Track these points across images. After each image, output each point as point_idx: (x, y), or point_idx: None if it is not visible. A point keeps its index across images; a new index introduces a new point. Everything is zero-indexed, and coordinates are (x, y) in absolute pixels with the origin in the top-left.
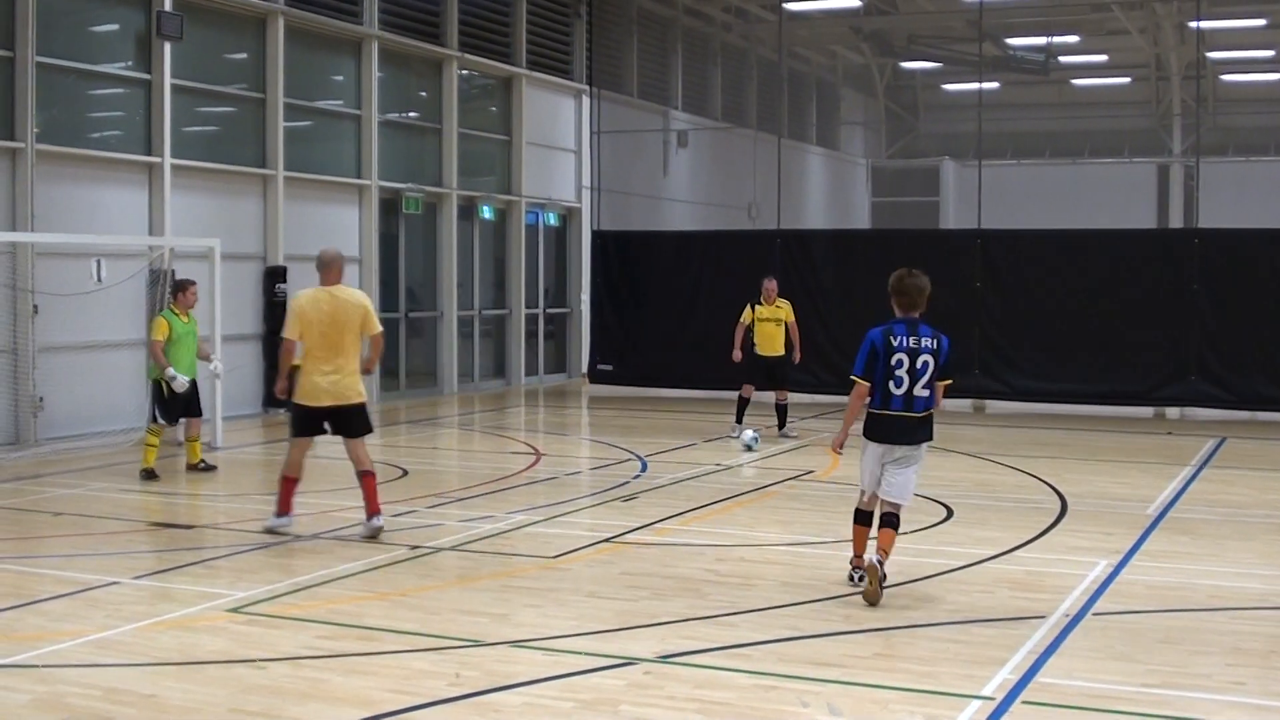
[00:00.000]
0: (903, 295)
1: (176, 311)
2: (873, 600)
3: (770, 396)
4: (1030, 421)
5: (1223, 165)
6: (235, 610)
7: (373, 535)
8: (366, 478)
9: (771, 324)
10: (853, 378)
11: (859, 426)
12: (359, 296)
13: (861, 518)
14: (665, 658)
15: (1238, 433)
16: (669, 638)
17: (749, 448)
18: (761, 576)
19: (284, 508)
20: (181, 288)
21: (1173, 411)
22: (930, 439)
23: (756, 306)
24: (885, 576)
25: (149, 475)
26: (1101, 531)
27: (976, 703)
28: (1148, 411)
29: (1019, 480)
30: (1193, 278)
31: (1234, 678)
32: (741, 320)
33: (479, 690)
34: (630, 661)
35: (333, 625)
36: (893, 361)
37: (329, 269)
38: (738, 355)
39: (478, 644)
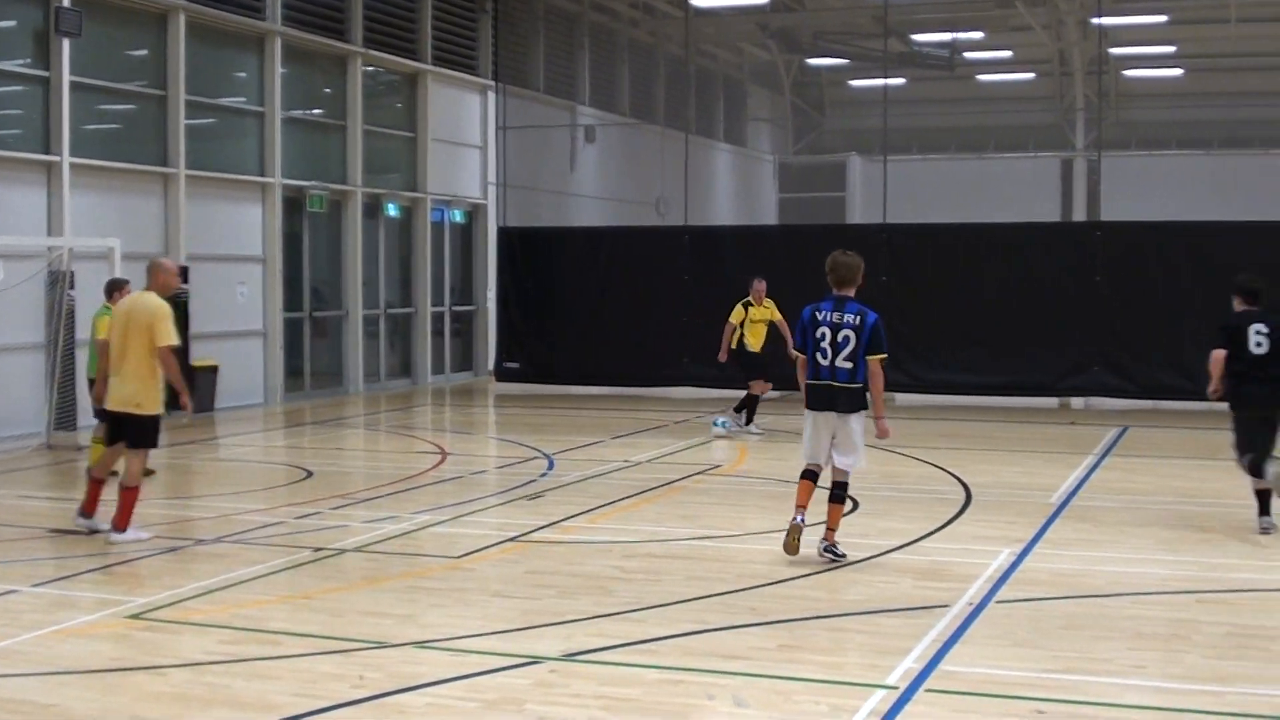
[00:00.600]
0: (833, 272)
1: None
2: (788, 550)
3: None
4: (936, 413)
5: (1125, 159)
6: (136, 616)
7: (90, 533)
8: (125, 491)
9: (763, 324)
10: (792, 352)
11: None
12: (153, 306)
13: (807, 474)
14: (571, 655)
15: (1140, 422)
16: (575, 635)
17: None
18: (668, 572)
19: (88, 508)
20: (118, 286)
21: (1077, 402)
22: (857, 409)
23: (750, 307)
24: (831, 548)
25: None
26: (1005, 521)
27: (881, 692)
28: (1053, 402)
29: (924, 471)
30: (1095, 270)
31: (1135, 661)
32: (731, 320)
33: (383, 692)
34: (536, 660)
35: (235, 630)
36: (817, 334)
37: (148, 274)
38: (724, 356)
39: (382, 645)
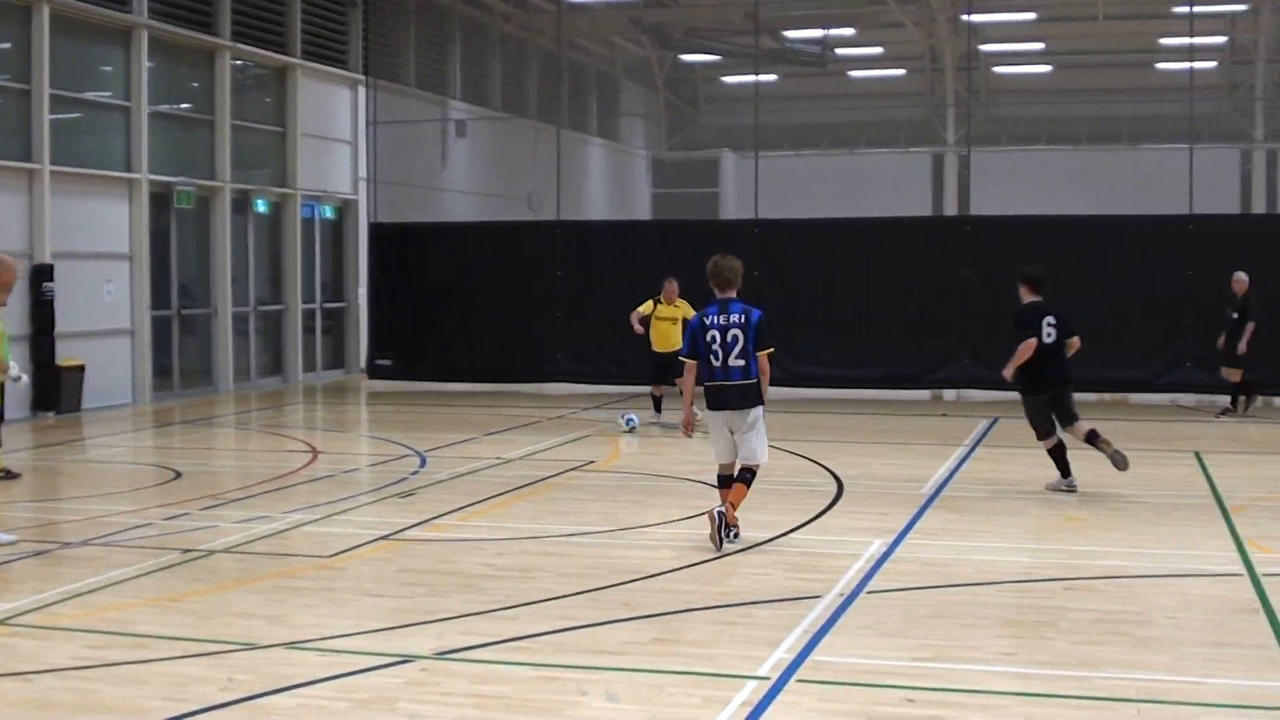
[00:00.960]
0: (715, 276)
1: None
2: (713, 543)
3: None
4: (809, 407)
5: (995, 154)
6: (1, 623)
7: None
8: None
9: (668, 322)
10: (681, 358)
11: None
12: None
13: (722, 481)
14: (442, 654)
15: (1010, 413)
16: (447, 634)
17: (631, 428)
18: (541, 569)
19: None
20: None
21: (950, 394)
22: (754, 404)
23: (658, 304)
24: (729, 527)
25: (6, 475)
26: (876, 512)
27: (752, 683)
28: (925, 395)
29: (797, 464)
30: (966, 264)
31: (1003, 648)
32: (639, 310)
33: (253, 694)
34: (407, 659)
35: (103, 634)
36: (707, 338)
37: None
38: (639, 328)
39: (252, 647)
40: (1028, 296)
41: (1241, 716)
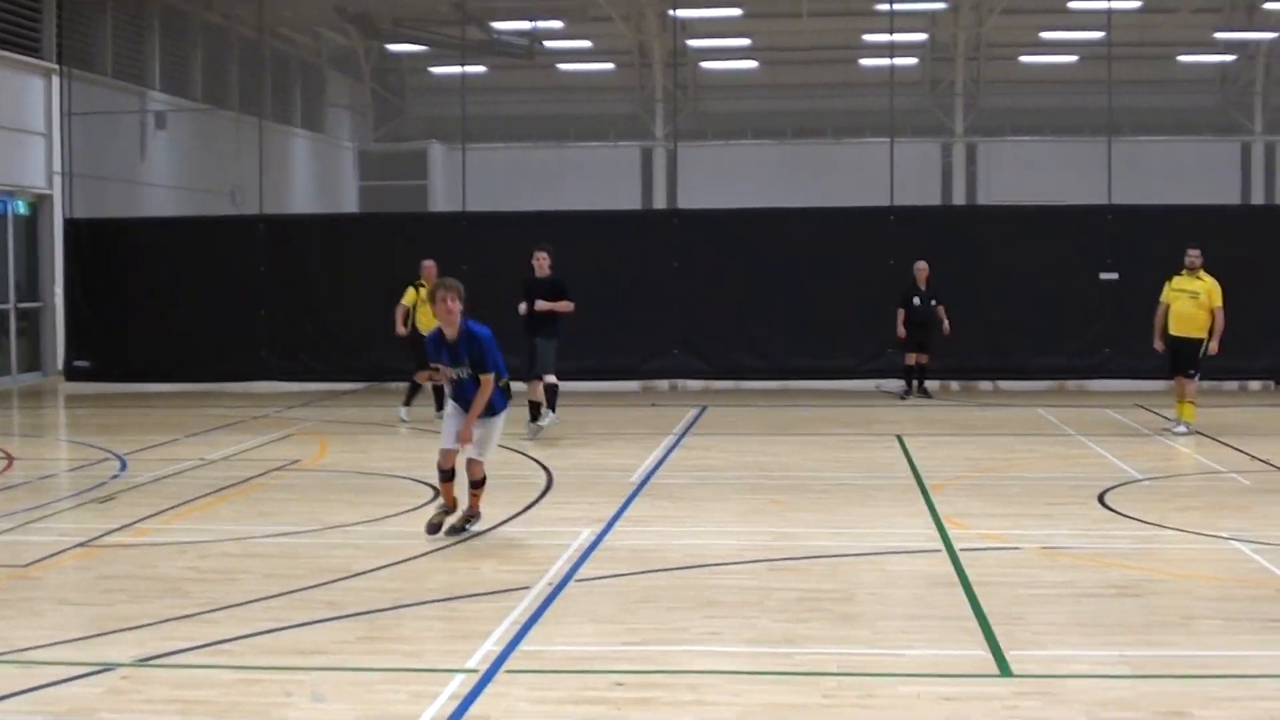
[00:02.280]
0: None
1: None
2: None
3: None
4: (517, 400)
5: (702, 149)
6: None
7: None
8: None
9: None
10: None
11: None
12: None
13: (444, 476)
14: (144, 661)
15: (719, 401)
16: (149, 640)
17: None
18: (245, 571)
19: None
20: None
21: (663, 383)
22: (496, 411)
23: (420, 289)
24: (460, 527)
25: None
26: (586, 501)
27: (461, 676)
28: (637, 385)
29: (507, 458)
30: (674, 256)
31: (710, 629)
32: (403, 301)
33: None
34: (108, 667)
35: None
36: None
37: None
38: (400, 329)
39: None
40: None
41: (936, 685)
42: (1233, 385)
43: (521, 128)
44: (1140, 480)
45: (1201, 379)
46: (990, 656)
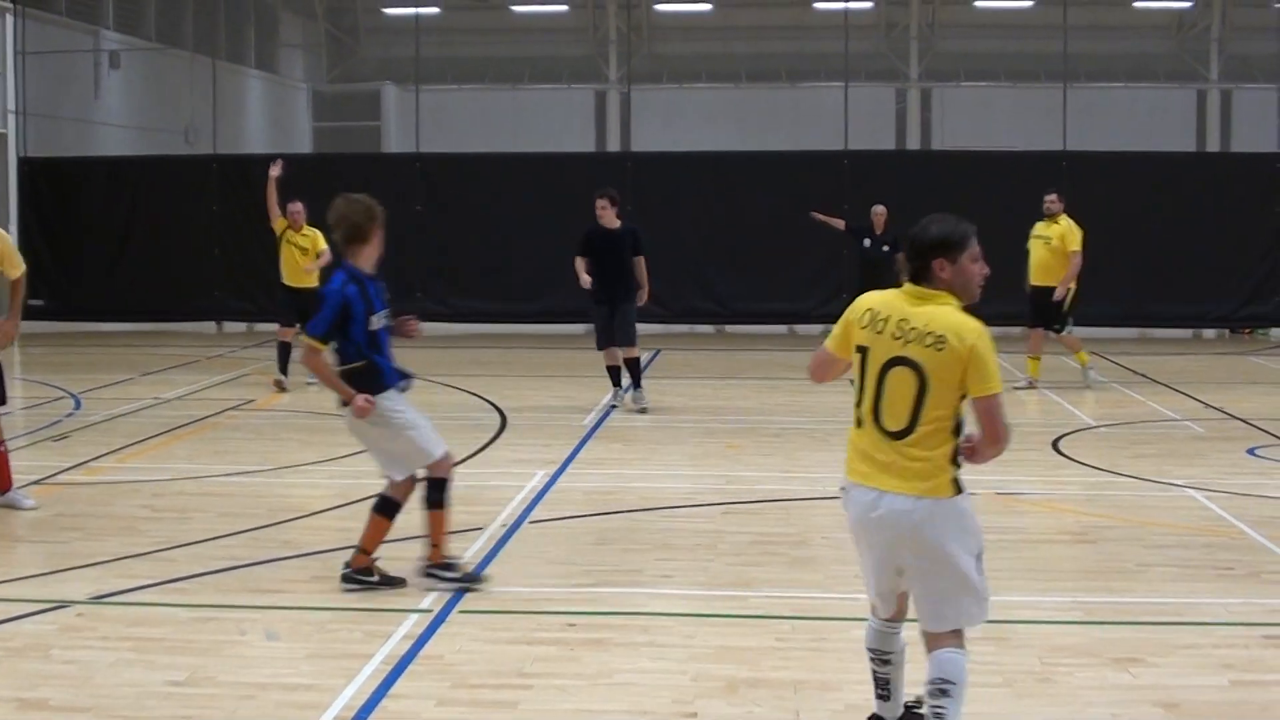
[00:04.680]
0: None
1: None
2: None
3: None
4: (472, 342)
5: (656, 92)
6: None
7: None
8: None
9: (298, 251)
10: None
11: None
12: None
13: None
14: (99, 598)
15: (672, 345)
16: (104, 578)
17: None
18: (200, 509)
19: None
20: None
21: None
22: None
23: (287, 231)
24: None
25: None
26: (540, 444)
27: (414, 616)
28: (581, 329)
29: (460, 399)
30: (627, 199)
31: (663, 571)
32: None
33: None
34: (62, 604)
35: None
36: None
37: None
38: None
39: None
40: None
41: None
42: (1187, 334)
43: (475, 70)
44: (1095, 427)
45: (1153, 326)
46: None
